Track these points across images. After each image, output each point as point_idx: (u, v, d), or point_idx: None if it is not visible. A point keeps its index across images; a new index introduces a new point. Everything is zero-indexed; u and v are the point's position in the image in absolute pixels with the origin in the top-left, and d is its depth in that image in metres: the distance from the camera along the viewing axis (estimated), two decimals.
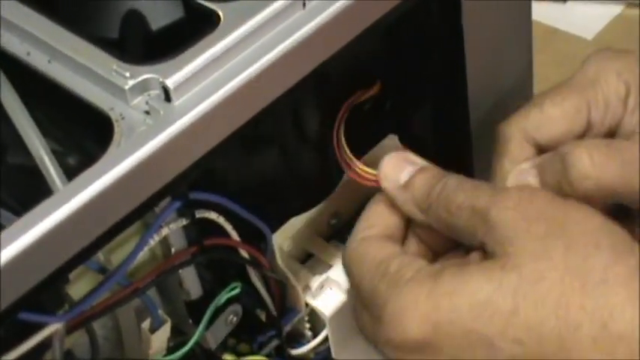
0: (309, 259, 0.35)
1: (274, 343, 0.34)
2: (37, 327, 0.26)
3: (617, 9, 0.77)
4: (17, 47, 0.28)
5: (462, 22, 0.33)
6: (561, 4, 0.79)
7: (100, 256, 0.27)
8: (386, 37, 0.34)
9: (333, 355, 0.35)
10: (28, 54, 0.28)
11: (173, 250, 0.30)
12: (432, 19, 0.34)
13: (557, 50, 0.39)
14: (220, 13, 0.28)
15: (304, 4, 0.28)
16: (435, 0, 0.33)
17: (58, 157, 0.27)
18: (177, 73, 0.25)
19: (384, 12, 0.30)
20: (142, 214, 0.25)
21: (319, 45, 0.28)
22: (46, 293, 0.26)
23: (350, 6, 0.28)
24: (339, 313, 0.33)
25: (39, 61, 0.27)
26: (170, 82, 0.25)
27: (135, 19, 0.31)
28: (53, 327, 0.26)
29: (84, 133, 0.29)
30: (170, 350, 0.31)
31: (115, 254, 0.28)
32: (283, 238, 0.32)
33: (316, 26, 0.28)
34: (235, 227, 0.30)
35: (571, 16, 0.76)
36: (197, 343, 0.31)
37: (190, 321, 0.32)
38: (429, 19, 0.34)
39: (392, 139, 0.36)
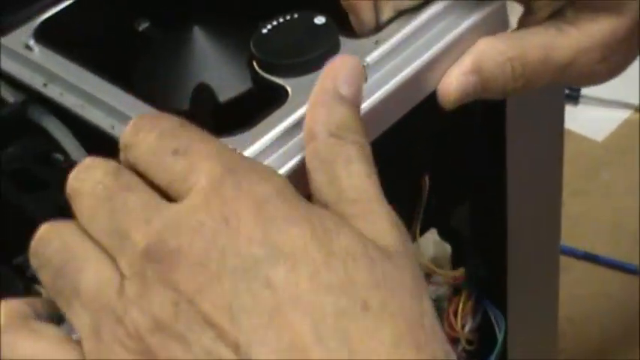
0: None
1: None
2: None
3: (626, 113, 0.83)
4: (102, 121, 0.31)
5: (505, 129, 0.37)
6: (573, 106, 0.85)
7: None
8: (435, 134, 0.37)
9: None
10: (113, 127, 0.31)
11: None
12: (477, 122, 0.38)
13: (568, 150, 0.44)
14: (288, 88, 0.30)
15: (366, 79, 0.31)
16: (479, 106, 0.36)
17: None
18: (250, 147, 0.27)
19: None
20: None
21: (378, 117, 0.31)
22: None
23: (408, 80, 0.31)
24: None
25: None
26: None
27: (204, 92, 0.34)
28: None
29: None
30: None
31: None
32: None
33: (376, 100, 0.31)
34: None
35: (582, 118, 0.82)
36: None
37: None
38: (474, 121, 0.38)
39: (432, 233, 0.40)
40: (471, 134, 0.39)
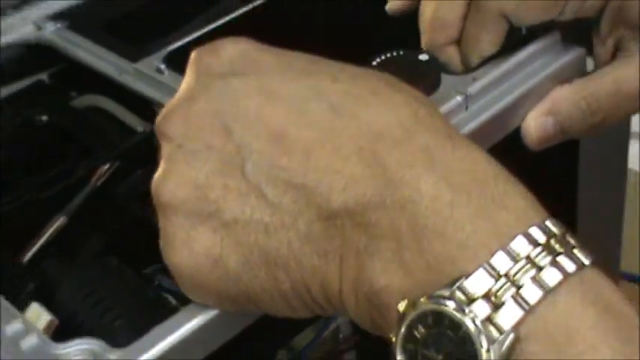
0: None
1: None
2: None
3: None
4: None
5: (579, 163, 0.44)
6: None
7: None
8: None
9: None
10: None
11: (341, 335, 0.40)
12: (553, 162, 0.44)
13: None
14: None
15: (467, 107, 0.38)
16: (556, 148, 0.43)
17: None
18: None
19: None
20: None
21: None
22: None
23: (502, 111, 0.38)
24: None
25: None
26: None
27: None
28: None
29: None
30: None
31: None
32: None
33: (474, 126, 0.38)
34: None
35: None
36: None
37: None
38: (550, 161, 0.44)
39: None
40: (547, 173, 0.45)
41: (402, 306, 0.28)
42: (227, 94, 0.33)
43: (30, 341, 0.32)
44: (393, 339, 0.29)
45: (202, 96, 0.33)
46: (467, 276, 0.28)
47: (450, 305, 0.28)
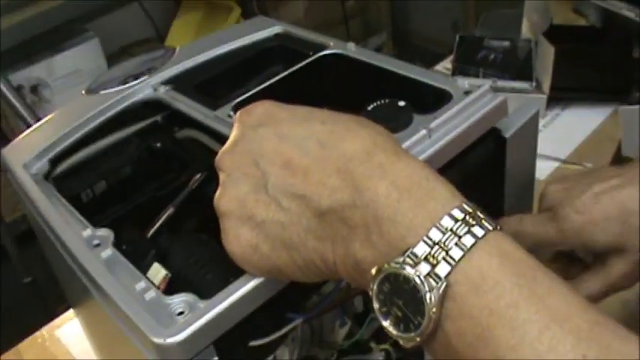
0: None
1: (392, 339, 0.47)
2: (286, 321, 0.44)
3: None
4: None
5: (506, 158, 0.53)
6: None
7: None
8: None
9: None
10: None
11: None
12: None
13: None
14: None
15: (430, 137, 0.47)
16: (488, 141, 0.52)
17: None
18: None
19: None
20: None
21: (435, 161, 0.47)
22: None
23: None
24: None
25: None
26: None
27: None
28: (299, 321, 0.45)
29: None
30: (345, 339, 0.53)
31: None
32: None
33: (436, 149, 0.47)
34: None
35: None
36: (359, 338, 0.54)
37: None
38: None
39: None
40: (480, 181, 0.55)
41: (373, 271, 0.35)
42: (255, 139, 0.40)
43: (150, 294, 0.41)
44: (370, 293, 0.35)
45: (241, 141, 0.41)
46: (412, 247, 0.33)
47: (403, 268, 0.33)
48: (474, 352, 0.32)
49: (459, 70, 1.07)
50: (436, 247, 0.33)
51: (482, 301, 0.32)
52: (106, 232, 0.46)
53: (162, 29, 2.31)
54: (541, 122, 1.04)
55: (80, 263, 0.45)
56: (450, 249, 0.33)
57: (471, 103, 0.52)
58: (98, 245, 0.46)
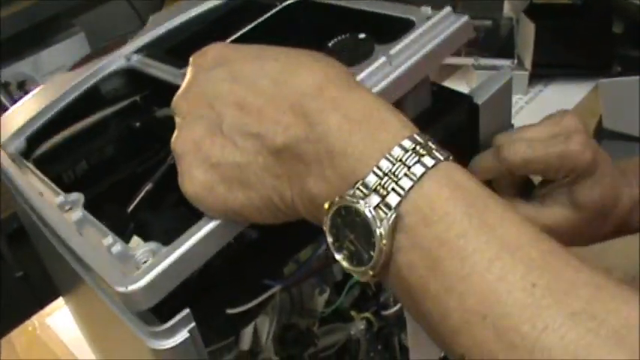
0: None
1: (373, 308, 0.56)
2: (264, 288, 0.44)
3: None
4: None
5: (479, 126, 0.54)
6: None
7: None
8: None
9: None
10: None
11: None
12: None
13: None
14: None
15: (390, 63, 0.46)
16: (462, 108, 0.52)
17: None
18: None
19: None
20: None
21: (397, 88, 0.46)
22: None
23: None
24: None
25: None
26: None
27: None
28: (277, 288, 0.45)
29: None
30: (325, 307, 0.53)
31: None
32: None
33: (396, 75, 0.46)
34: None
35: None
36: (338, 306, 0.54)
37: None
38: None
39: None
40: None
41: (326, 205, 0.35)
42: (209, 81, 0.40)
43: (116, 248, 0.41)
44: (324, 227, 0.36)
45: (195, 84, 0.41)
46: (363, 179, 0.33)
47: (354, 200, 0.33)
48: (425, 283, 0.32)
49: None
50: (386, 177, 0.33)
51: (432, 231, 0.31)
52: (76, 196, 0.47)
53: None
54: (524, 99, 1.04)
55: (52, 228, 0.45)
56: (400, 179, 0.32)
57: (433, 27, 0.50)
58: (70, 209, 0.46)
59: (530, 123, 0.53)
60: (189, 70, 0.42)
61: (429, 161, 0.33)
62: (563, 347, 0.28)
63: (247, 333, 0.49)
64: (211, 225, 0.40)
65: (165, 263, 0.39)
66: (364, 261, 0.34)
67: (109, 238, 0.42)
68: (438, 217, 0.32)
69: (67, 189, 0.52)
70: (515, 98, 0.99)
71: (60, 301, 0.92)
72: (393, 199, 0.32)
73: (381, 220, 0.32)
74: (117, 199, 0.53)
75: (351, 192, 0.33)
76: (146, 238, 0.45)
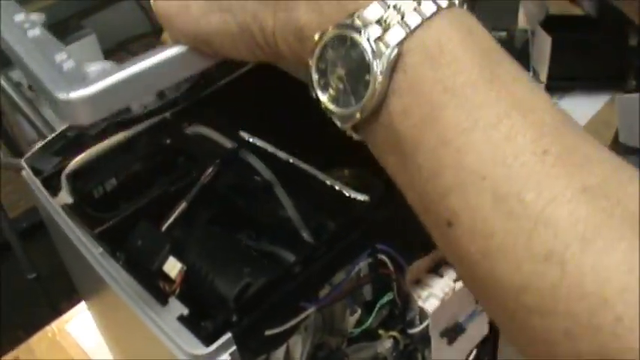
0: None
1: (400, 326, 0.56)
2: (299, 310, 0.45)
3: None
4: None
5: None
6: None
7: None
8: None
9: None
10: None
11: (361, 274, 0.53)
12: None
13: None
14: None
15: None
16: None
17: None
18: None
19: None
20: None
21: None
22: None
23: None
24: (437, 311, 0.57)
25: None
26: None
27: None
28: (312, 310, 0.46)
29: None
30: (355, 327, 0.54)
31: None
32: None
33: None
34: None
35: None
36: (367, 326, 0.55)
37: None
38: None
39: None
40: None
41: (316, 36, 0.31)
42: None
43: (68, 64, 0.38)
44: (310, 62, 0.31)
45: None
46: (364, 8, 0.29)
47: (351, 29, 0.29)
48: (418, 134, 0.28)
49: None
50: (391, 9, 0.29)
51: (437, 75, 0.28)
52: (36, 16, 0.44)
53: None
54: None
55: (8, 44, 0.42)
56: (407, 14, 0.29)
57: None
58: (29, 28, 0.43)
59: None
60: None
61: (442, 2, 0.29)
62: (571, 223, 0.25)
63: (280, 351, 0.49)
64: (174, 50, 0.37)
65: (114, 78, 0.36)
66: (353, 102, 0.30)
67: (63, 54, 0.39)
68: (446, 60, 0.28)
69: (97, 205, 0.53)
70: None
71: (79, 308, 0.93)
72: (396, 34, 0.28)
73: (380, 55, 0.28)
74: (148, 217, 0.52)
75: (348, 21, 0.29)
76: (182, 259, 0.46)
